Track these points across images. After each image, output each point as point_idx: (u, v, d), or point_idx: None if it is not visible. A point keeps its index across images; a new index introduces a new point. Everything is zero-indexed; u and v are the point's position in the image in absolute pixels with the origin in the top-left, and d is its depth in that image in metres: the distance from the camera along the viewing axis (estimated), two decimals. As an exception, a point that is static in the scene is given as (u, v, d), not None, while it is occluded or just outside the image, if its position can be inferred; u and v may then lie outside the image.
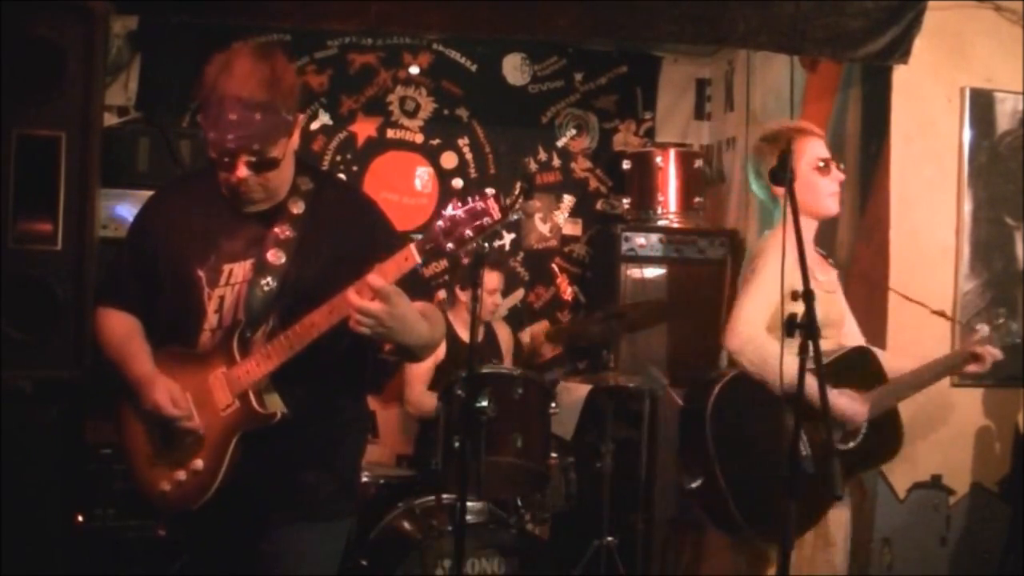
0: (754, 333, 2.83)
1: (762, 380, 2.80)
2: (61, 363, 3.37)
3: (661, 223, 4.97)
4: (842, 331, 3.05)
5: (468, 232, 2.06)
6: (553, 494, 4.08)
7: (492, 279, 4.61)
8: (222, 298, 2.31)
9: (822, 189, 2.98)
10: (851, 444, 2.92)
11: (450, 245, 2.07)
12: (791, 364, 2.65)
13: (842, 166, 3.04)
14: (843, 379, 2.89)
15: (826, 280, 3.02)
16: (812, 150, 2.99)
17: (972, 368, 3.05)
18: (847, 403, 2.86)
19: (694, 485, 3.20)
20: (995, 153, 4.03)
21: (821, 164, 2.98)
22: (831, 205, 3.02)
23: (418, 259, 2.10)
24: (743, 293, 2.92)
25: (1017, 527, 3.92)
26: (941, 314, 3.51)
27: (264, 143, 2.20)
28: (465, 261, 2.17)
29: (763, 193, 3.05)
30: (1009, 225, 4.05)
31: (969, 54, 4.01)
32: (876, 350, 3.10)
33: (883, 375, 2.99)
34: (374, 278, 2.08)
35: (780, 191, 2.89)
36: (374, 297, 2.08)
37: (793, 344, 2.83)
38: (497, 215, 2.06)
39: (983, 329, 3.09)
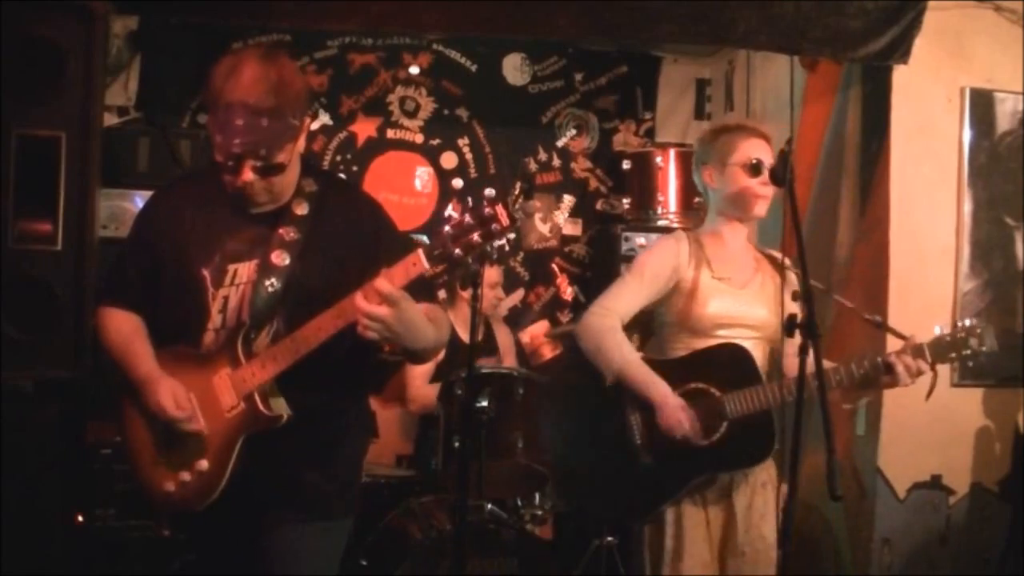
0: (601, 322, 2.74)
1: (595, 367, 2.75)
2: (61, 363, 3.36)
3: (661, 223, 4.95)
4: (765, 335, 2.81)
5: (476, 238, 2.05)
6: (553, 494, 4.08)
7: (492, 273, 4.61)
8: (226, 298, 2.31)
9: (748, 188, 2.79)
10: (703, 441, 2.68)
11: (458, 251, 2.06)
12: (628, 356, 2.71)
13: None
14: (707, 376, 2.70)
15: (746, 280, 2.85)
16: (746, 148, 2.80)
17: (887, 380, 2.66)
18: (677, 410, 2.66)
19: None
20: (995, 153, 4.03)
21: (753, 162, 2.78)
22: (757, 207, 2.82)
23: (426, 265, 2.09)
24: (616, 282, 2.85)
25: (1017, 527, 3.92)
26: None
27: (270, 148, 2.20)
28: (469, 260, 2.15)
29: (699, 184, 2.96)
30: (1009, 225, 4.05)
31: (969, 54, 4.01)
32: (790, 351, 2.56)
33: (756, 376, 2.71)
34: (382, 283, 2.08)
35: (708, 180, 2.88)
36: (381, 302, 2.09)
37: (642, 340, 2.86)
38: (506, 222, 2.05)
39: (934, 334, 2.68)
